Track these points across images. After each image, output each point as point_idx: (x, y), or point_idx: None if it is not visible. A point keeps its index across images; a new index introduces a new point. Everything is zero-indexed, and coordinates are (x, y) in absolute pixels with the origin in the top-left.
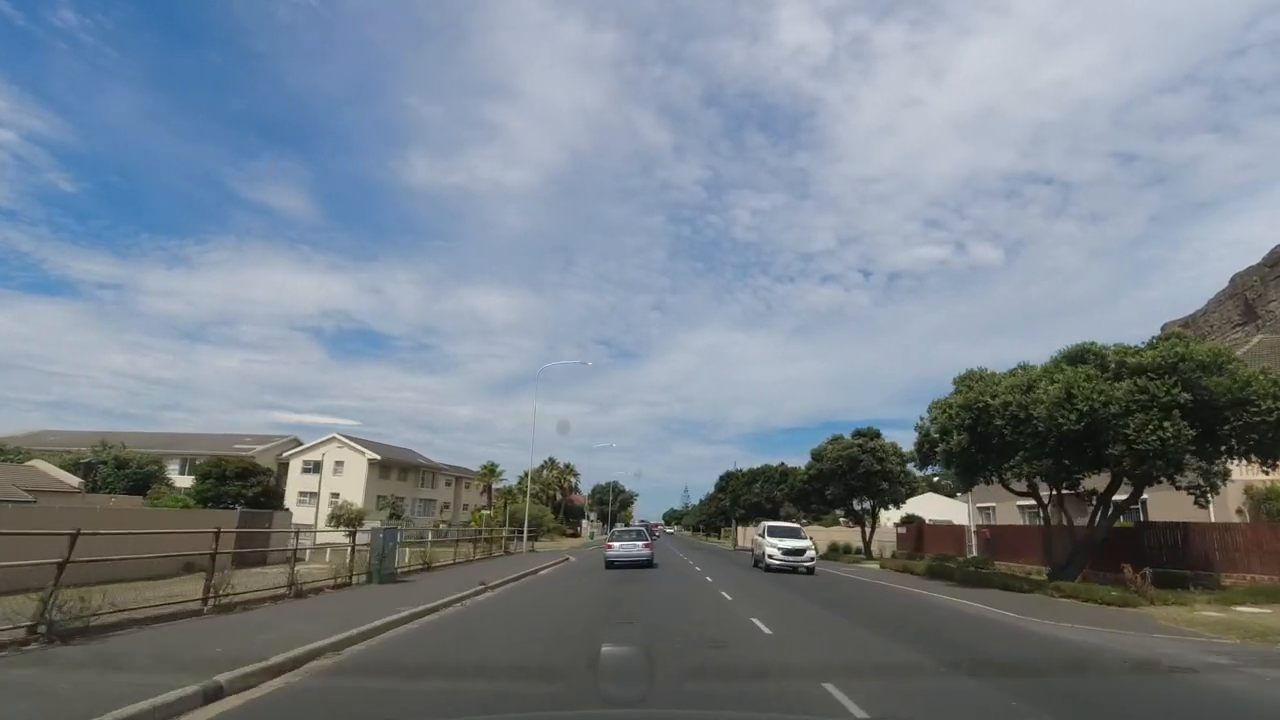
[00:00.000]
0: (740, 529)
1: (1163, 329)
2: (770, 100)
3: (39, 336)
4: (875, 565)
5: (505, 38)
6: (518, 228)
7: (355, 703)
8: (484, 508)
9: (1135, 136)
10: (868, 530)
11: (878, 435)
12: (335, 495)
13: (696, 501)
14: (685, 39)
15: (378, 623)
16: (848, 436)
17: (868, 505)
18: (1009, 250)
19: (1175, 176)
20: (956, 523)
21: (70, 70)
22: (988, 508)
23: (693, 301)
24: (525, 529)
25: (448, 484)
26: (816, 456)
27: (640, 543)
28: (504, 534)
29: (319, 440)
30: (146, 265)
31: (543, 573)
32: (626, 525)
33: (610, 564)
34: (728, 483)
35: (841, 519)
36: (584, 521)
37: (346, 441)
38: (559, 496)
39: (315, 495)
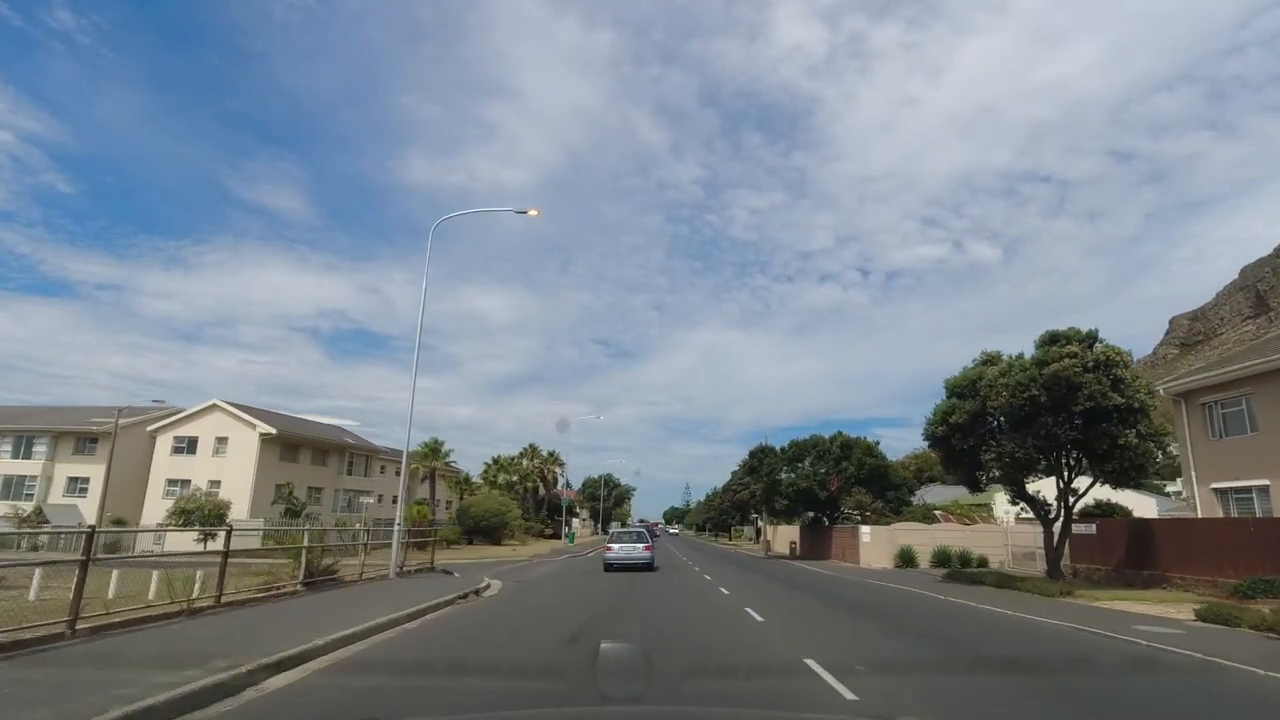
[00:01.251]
0: (775, 528)
1: (1171, 323)
2: (768, 99)
3: (37, 338)
4: (1160, 605)
5: (502, 37)
6: (516, 228)
7: None
8: (420, 501)
9: (1132, 134)
10: (1055, 526)
11: (1095, 339)
12: (215, 484)
13: (701, 498)
14: (682, 38)
15: None
16: (1022, 355)
17: (1049, 480)
18: (1007, 248)
19: (1172, 174)
20: (1142, 513)
21: (67, 71)
22: (1241, 490)
23: (691, 301)
24: (396, 533)
25: (399, 474)
26: (961, 390)
27: (640, 545)
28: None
29: (195, 409)
30: (144, 266)
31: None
32: (624, 525)
33: (609, 566)
34: (761, 461)
35: (956, 506)
36: (574, 520)
37: (231, 411)
38: (541, 490)
39: (187, 483)
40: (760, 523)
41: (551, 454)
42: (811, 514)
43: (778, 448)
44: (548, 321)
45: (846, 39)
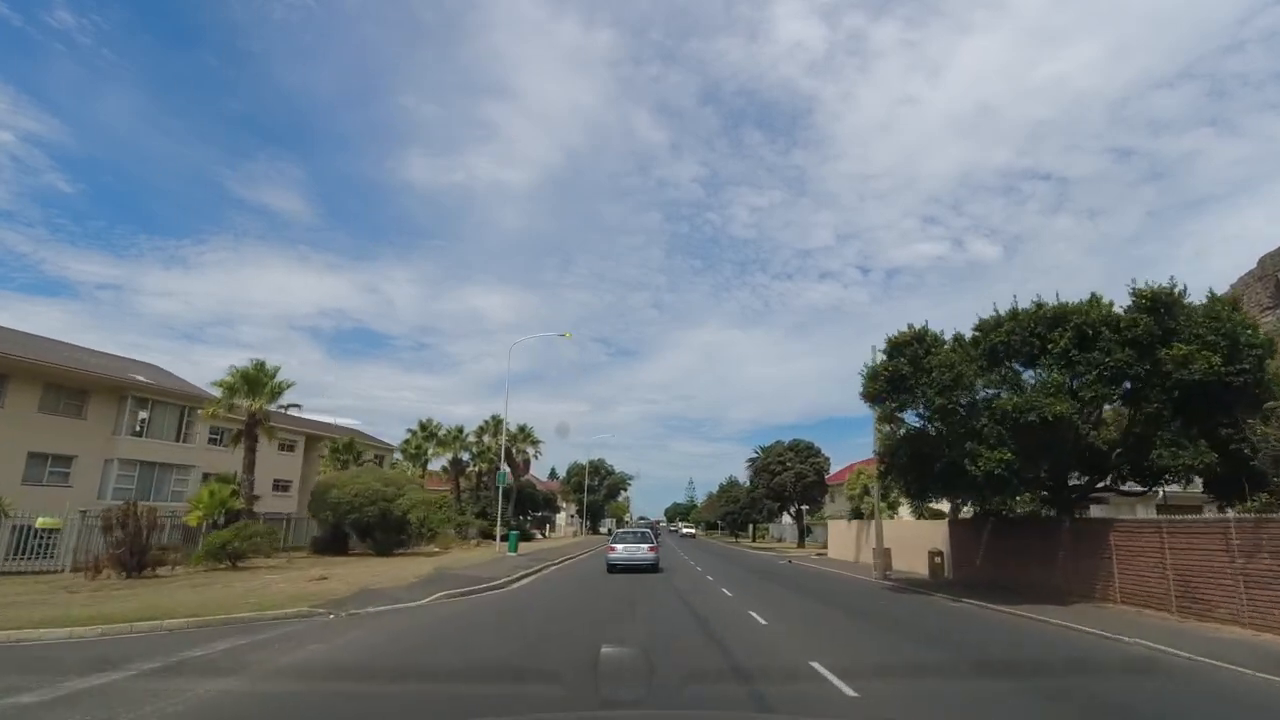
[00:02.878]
0: (862, 526)
1: None
2: (767, 98)
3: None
4: None
5: (502, 37)
6: (515, 227)
7: None
8: (225, 479)
9: (1132, 132)
10: None
11: None
12: None
13: (709, 493)
14: (681, 37)
15: None
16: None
17: None
18: (1007, 246)
19: (1171, 172)
20: None
21: (67, 71)
22: None
23: (690, 300)
24: None
25: (285, 447)
26: None
27: (645, 545)
28: None
29: None
30: (144, 266)
31: None
32: (621, 523)
33: (612, 567)
34: (920, 358)
35: None
36: (558, 515)
37: None
38: (509, 474)
39: None
40: (810, 518)
41: (523, 430)
42: (1020, 492)
43: (945, 339)
44: (547, 320)
45: (846, 37)
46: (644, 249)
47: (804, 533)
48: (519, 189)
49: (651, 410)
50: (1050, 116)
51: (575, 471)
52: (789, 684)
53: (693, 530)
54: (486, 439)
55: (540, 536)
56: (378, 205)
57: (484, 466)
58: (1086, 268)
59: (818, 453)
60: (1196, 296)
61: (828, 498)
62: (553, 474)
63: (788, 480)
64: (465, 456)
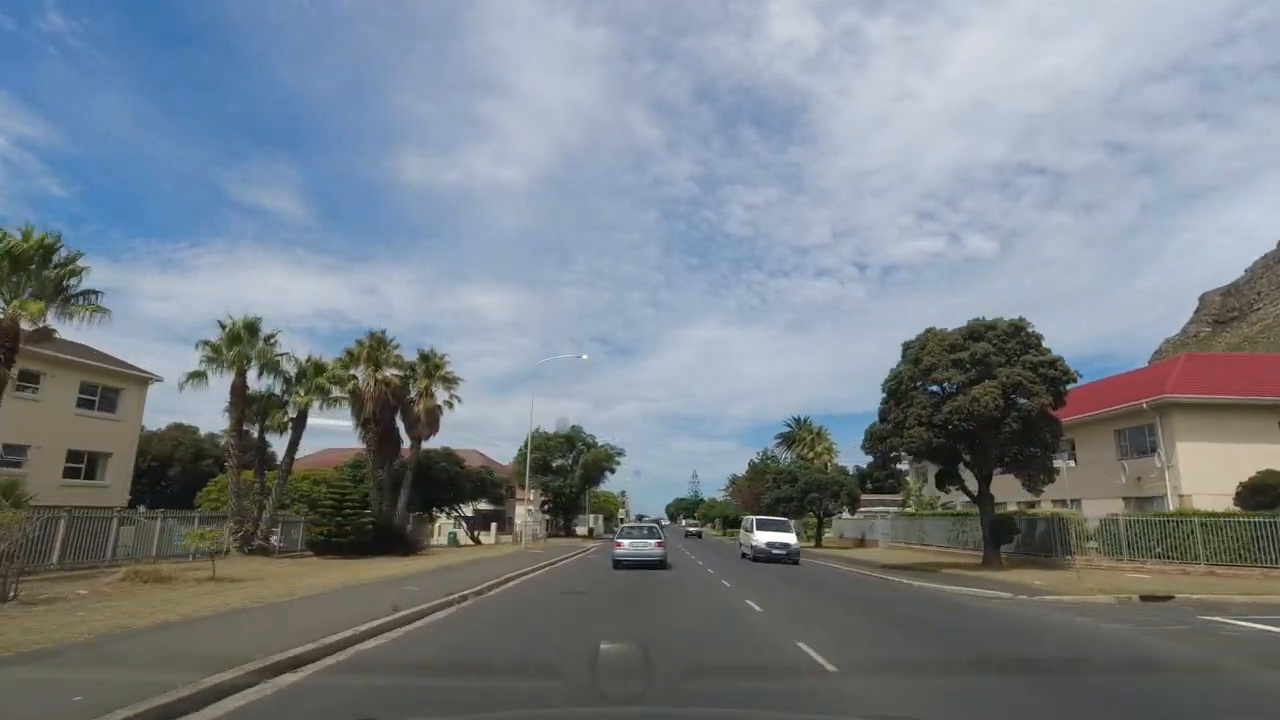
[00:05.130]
0: None
1: (1202, 299)
2: (763, 95)
3: None
4: None
5: (497, 35)
6: (512, 226)
7: None
8: None
9: (1126, 126)
10: None
11: None
12: None
13: (733, 477)
14: (676, 34)
15: None
16: None
17: None
18: (1003, 241)
19: (1166, 165)
20: None
21: (60, 75)
22: None
23: (687, 297)
24: None
25: None
26: None
27: (652, 541)
28: None
29: None
30: (141, 269)
31: None
32: (614, 519)
33: (618, 563)
34: None
35: None
36: (517, 508)
37: None
38: (401, 437)
39: None
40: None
41: (427, 358)
42: None
43: None
44: (546, 319)
45: (841, 33)
46: (641, 246)
47: (998, 534)
48: (516, 187)
49: (651, 408)
50: (1045, 110)
51: (537, 442)
52: None
53: (789, 538)
54: (360, 372)
55: (472, 541)
56: (374, 206)
57: (369, 417)
58: (1083, 260)
59: (1038, 341)
60: None
61: (1064, 460)
62: (524, 455)
63: (989, 400)
64: (278, 386)
